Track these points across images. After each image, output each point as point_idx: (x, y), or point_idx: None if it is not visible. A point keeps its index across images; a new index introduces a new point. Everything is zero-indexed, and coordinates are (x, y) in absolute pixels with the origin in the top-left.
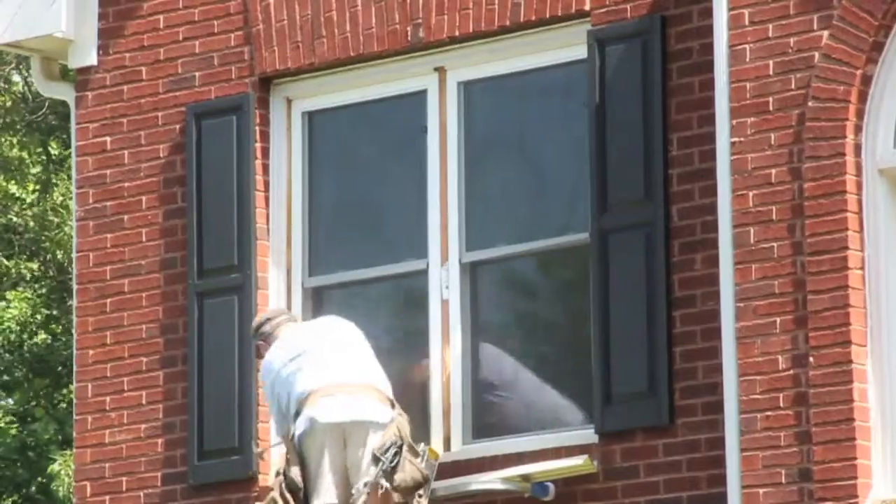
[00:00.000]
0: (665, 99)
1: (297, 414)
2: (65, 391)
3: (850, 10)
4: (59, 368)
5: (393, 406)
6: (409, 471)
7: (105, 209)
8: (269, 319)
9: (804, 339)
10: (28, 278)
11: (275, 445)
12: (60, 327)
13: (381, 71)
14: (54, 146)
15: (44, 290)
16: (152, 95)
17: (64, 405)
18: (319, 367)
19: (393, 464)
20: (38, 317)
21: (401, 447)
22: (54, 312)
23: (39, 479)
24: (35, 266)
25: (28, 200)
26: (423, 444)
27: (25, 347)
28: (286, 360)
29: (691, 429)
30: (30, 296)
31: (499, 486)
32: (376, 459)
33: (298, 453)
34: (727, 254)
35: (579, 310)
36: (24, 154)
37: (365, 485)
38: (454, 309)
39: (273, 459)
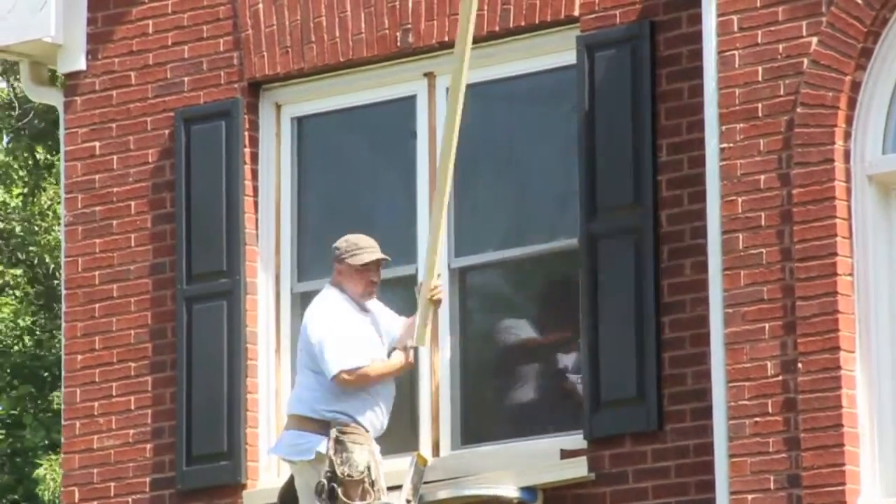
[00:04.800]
0: (654, 104)
1: None
2: (51, 397)
3: (838, 16)
4: (45, 374)
5: (328, 429)
6: None
7: (94, 214)
8: (336, 250)
9: (793, 344)
10: (12, 284)
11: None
12: (47, 334)
13: (371, 76)
14: (40, 150)
15: (30, 297)
16: (141, 100)
17: (49, 413)
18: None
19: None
20: (22, 322)
21: (333, 487)
22: (41, 319)
23: (25, 483)
24: (19, 272)
25: (13, 205)
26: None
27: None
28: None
29: (680, 434)
30: (12, 302)
31: (487, 491)
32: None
33: None
34: (716, 259)
35: (568, 315)
36: (10, 159)
37: None
38: (443, 314)
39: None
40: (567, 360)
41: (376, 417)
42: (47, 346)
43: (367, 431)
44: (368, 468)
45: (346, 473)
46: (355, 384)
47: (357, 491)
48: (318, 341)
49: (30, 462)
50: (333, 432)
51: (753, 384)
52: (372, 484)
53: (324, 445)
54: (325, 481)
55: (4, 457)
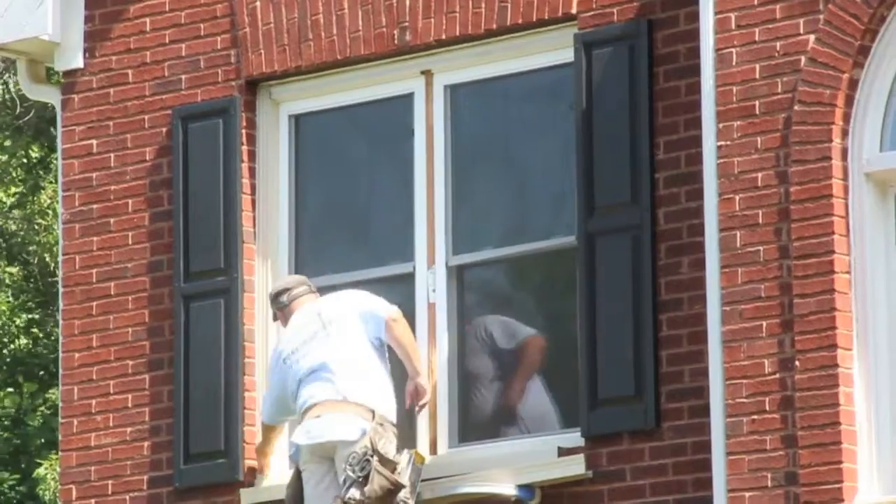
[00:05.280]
0: (651, 102)
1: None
2: (48, 395)
3: (836, 14)
4: (41, 373)
5: (373, 416)
6: (377, 481)
7: (91, 212)
8: (287, 290)
9: (790, 342)
10: (8, 282)
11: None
12: (43, 332)
13: (368, 74)
14: (35, 150)
15: (27, 295)
16: (139, 98)
17: (45, 410)
18: (311, 376)
19: (361, 475)
20: (18, 321)
21: (369, 458)
22: (35, 316)
23: (27, 483)
24: (15, 270)
25: (9, 203)
26: (405, 451)
27: (6, 352)
28: (288, 352)
29: (677, 432)
30: (10, 299)
31: (485, 489)
32: (345, 473)
33: (296, 470)
34: (713, 257)
35: (566, 313)
36: (5, 157)
37: (335, 499)
38: (441, 312)
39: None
40: (565, 357)
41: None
42: (44, 345)
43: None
44: (394, 458)
45: (384, 451)
46: (404, 324)
47: (389, 468)
48: (363, 298)
49: (32, 461)
50: (378, 418)
51: (751, 382)
52: (397, 471)
53: (368, 427)
54: (359, 452)
55: (7, 455)
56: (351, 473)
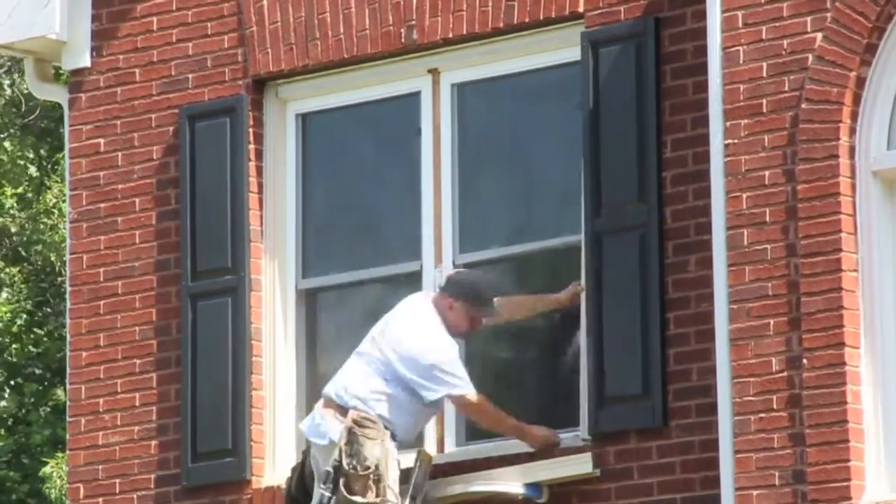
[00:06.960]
0: (659, 101)
1: None
2: (54, 394)
3: (843, 12)
4: (46, 373)
5: (346, 415)
6: (342, 500)
7: (98, 211)
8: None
9: (798, 341)
10: (8, 282)
11: None
12: (45, 331)
13: (375, 73)
14: (44, 151)
15: (25, 294)
16: (146, 97)
17: (48, 409)
18: None
19: (331, 494)
20: (19, 321)
21: (337, 476)
22: (39, 318)
23: (31, 482)
24: (16, 270)
25: (9, 204)
26: (415, 450)
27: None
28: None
29: (685, 430)
30: (10, 301)
31: (492, 487)
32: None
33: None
34: (721, 256)
35: (573, 312)
36: (17, 156)
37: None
38: None
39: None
40: (572, 356)
41: (409, 420)
42: (45, 345)
43: (385, 428)
44: (377, 465)
45: (351, 465)
46: (473, 411)
47: (360, 485)
48: (438, 360)
49: (36, 459)
50: (348, 421)
51: (758, 380)
52: (377, 481)
53: (337, 433)
54: (331, 470)
55: (10, 453)
56: (324, 493)
